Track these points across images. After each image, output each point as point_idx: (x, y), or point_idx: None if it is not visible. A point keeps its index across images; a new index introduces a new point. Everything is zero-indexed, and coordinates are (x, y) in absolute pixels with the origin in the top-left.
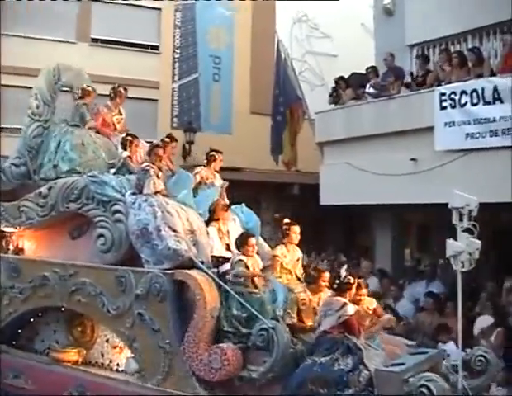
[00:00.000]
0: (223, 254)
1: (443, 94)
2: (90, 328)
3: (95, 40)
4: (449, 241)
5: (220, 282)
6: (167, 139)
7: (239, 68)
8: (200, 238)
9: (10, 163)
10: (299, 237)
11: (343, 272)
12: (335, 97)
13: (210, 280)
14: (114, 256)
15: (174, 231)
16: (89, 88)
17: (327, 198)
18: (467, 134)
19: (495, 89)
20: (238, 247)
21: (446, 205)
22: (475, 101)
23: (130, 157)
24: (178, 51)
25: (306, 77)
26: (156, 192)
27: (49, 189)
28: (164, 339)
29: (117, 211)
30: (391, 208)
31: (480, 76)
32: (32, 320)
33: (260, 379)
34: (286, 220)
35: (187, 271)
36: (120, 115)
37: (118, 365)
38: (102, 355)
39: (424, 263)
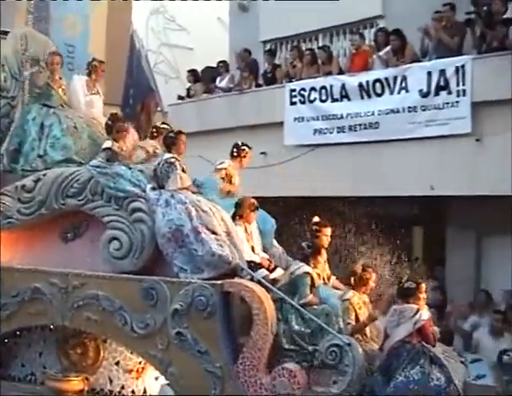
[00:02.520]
0: (252, 258)
1: (294, 90)
2: (93, 350)
3: None
4: None
5: (281, 294)
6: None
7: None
8: (236, 240)
9: None
10: (329, 239)
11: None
12: (187, 96)
13: (264, 291)
14: (133, 263)
15: (214, 233)
16: (48, 58)
17: None
18: (316, 130)
19: (343, 87)
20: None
21: (295, 198)
22: (323, 97)
23: (115, 140)
24: None
25: (161, 70)
26: (182, 189)
27: (36, 181)
28: (214, 362)
29: (137, 209)
30: None
31: (329, 73)
32: (7, 341)
33: None
34: (316, 220)
35: (238, 280)
36: (99, 94)
37: (133, 392)
38: (111, 381)
39: None
